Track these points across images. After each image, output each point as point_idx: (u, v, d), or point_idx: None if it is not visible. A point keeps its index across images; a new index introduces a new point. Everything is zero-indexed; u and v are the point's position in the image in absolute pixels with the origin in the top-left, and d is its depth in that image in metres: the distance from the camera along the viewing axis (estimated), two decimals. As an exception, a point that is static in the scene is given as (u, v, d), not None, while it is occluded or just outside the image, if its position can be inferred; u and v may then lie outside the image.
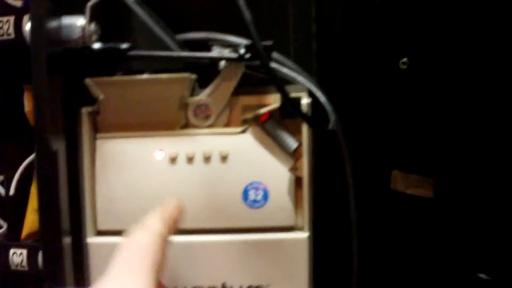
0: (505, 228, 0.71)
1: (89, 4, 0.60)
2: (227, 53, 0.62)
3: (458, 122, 0.72)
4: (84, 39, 0.60)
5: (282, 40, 0.68)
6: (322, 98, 0.64)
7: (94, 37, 0.60)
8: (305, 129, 0.63)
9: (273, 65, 0.64)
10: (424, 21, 0.72)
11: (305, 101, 0.63)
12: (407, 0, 0.72)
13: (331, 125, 0.63)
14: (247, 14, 0.58)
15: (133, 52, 0.62)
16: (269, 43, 0.60)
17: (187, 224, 0.63)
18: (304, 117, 0.61)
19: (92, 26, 0.60)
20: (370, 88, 0.75)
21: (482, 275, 0.72)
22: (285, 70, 0.65)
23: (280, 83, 0.58)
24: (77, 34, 0.59)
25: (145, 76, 0.62)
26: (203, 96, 0.63)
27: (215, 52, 0.62)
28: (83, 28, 0.59)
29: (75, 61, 0.62)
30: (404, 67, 0.73)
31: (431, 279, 0.75)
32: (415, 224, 0.75)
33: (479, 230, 0.72)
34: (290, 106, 0.60)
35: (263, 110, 0.63)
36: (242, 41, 0.62)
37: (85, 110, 0.63)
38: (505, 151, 0.70)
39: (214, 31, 0.66)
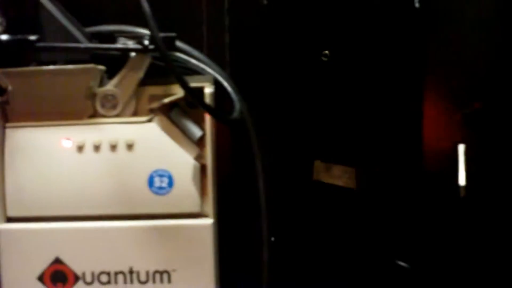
0: (424, 217, 0.73)
1: (-7, -4, 0.61)
2: (131, 44, 0.64)
3: (378, 112, 0.74)
4: (-11, 31, 0.61)
5: (196, 32, 0.70)
6: (228, 88, 0.67)
7: (0, 28, 0.62)
8: (208, 118, 0.65)
9: (181, 56, 0.66)
10: (343, 14, 0.74)
11: (207, 90, 0.65)
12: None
13: (235, 114, 0.65)
14: (145, 6, 0.60)
15: (41, 44, 0.64)
16: (171, 34, 0.62)
17: (95, 211, 0.65)
18: (204, 107, 0.63)
19: (-4, 18, 0.61)
20: (291, 80, 0.77)
21: (401, 263, 0.74)
22: (193, 61, 0.67)
23: (178, 73, 0.60)
24: (-18, 25, 0.61)
25: (51, 67, 0.64)
26: (109, 86, 0.65)
27: (120, 43, 0.64)
28: (-13, 20, 0.61)
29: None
30: (326, 59, 0.75)
31: (351, 266, 0.76)
32: (338, 214, 0.77)
33: (399, 219, 0.74)
34: (190, 96, 0.62)
35: (168, 100, 0.65)
36: (148, 33, 0.63)
37: (-8, 100, 0.65)
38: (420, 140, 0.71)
39: (126, 23, 0.68)
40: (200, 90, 0.65)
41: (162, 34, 0.62)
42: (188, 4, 0.70)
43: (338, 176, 0.76)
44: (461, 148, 0.67)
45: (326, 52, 0.75)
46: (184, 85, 0.60)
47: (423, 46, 0.69)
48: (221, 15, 0.71)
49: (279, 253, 0.74)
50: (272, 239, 0.72)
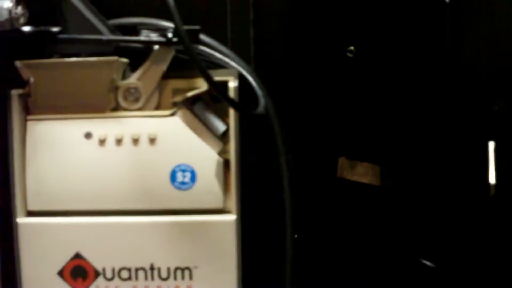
0: (449, 216, 0.71)
1: (17, -14, 0.60)
2: (155, 37, 0.63)
3: (404, 109, 0.72)
4: (12, 22, 0.61)
5: (220, 26, 0.69)
6: (253, 82, 0.66)
7: (22, 20, 0.61)
8: (232, 112, 0.64)
9: (205, 49, 0.65)
10: (370, 9, 0.73)
11: (232, 84, 0.64)
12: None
13: (259, 109, 0.64)
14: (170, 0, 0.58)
15: (63, 36, 0.63)
16: (195, 27, 0.62)
17: (116, 206, 0.64)
18: (229, 100, 0.62)
19: (19, 9, 0.61)
20: (316, 76, 0.76)
21: (426, 262, 0.73)
22: (217, 54, 0.66)
23: (203, 67, 0.59)
24: (3, 16, 0.60)
25: (74, 59, 0.63)
26: (132, 79, 0.64)
27: (144, 36, 0.63)
28: (10, 11, 0.60)
29: (4, 43, 0.63)
30: (351, 55, 0.74)
31: (375, 265, 0.75)
32: (362, 211, 0.76)
33: (424, 218, 0.73)
34: (214, 89, 0.61)
35: (192, 93, 0.64)
36: (171, 26, 0.62)
37: (15, 92, 0.64)
38: (448, 139, 0.70)
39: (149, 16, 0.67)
40: (224, 84, 0.64)
41: (186, 27, 0.60)
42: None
43: (363, 174, 0.74)
44: (491, 145, 0.65)
45: (352, 48, 0.74)
46: (208, 79, 0.59)
47: (453, 42, 0.67)
48: (246, 9, 0.70)
49: (302, 251, 0.72)
50: (295, 236, 0.71)
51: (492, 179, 0.65)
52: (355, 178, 0.75)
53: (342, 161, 0.76)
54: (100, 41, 0.63)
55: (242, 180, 0.67)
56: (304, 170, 0.75)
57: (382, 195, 0.74)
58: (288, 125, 0.71)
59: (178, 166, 0.64)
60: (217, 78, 0.63)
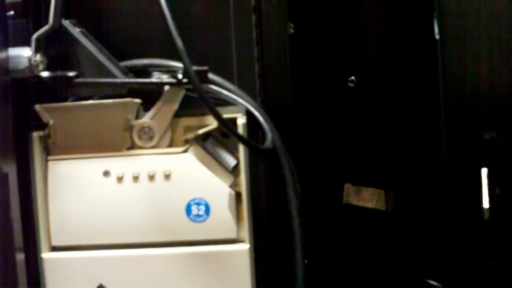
0: (453, 236, 0.74)
1: (34, 36, 0.64)
2: (165, 78, 0.66)
3: (406, 136, 0.75)
4: (31, 69, 0.64)
5: (226, 64, 0.72)
6: (260, 118, 0.69)
7: (41, 66, 0.65)
8: (241, 147, 0.67)
9: (213, 88, 0.69)
10: (369, 41, 0.76)
11: (240, 121, 0.67)
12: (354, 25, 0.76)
13: (266, 144, 0.67)
14: (178, 42, 0.62)
15: (79, 80, 0.66)
16: (203, 68, 0.65)
17: (135, 239, 0.67)
18: (238, 137, 0.65)
19: (38, 57, 0.64)
20: (320, 105, 0.79)
21: (433, 282, 0.75)
22: (225, 92, 0.69)
23: (212, 105, 0.62)
24: (24, 64, 0.64)
25: (90, 101, 0.66)
26: (146, 119, 0.67)
27: (155, 77, 0.66)
28: (29, 59, 0.64)
29: (24, 88, 0.66)
30: (352, 85, 0.77)
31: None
32: (369, 236, 0.79)
33: (428, 240, 0.75)
34: (223, 127, 0.64)
35: (203, 131, 0.67)
36: (181, 66, 0.66)
37: (36, 134, 0.67)
38: (449, 162, 0.73)
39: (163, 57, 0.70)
40: (233, 121, 0.67)
41: (195, 68, 0.64)
42: (218, 36, 0.72)
43: (368, 199, 0.77)
44: (484, 171, 0.68)
45: (353, 78, 0.77)
46: (218, 117, 0.62)
47: (445, 74, 0.70)
48: (250, 45, 0.73)
49: (312, 277, 0.75)
50: (306, 261, 0.74)
51: (486, 203, 0.68)
52: (360, 203, 0.78)
53: (348, 187, 0.79)
54: (114, 83, 0.67)
55: (256, 211, 0.70)
56: (312, 197, 0.78)
57: (387, 219, 0.77)
58: (295, 156, 0.73)
59: (193, 199, 0.67)
60: (226, 115, 0.66)
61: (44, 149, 0.68)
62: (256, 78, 0.75)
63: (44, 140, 0.68)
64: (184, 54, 0.62)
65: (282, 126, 0.72)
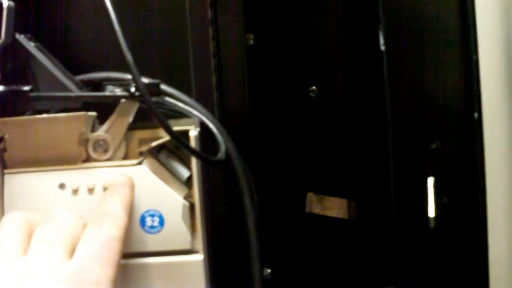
0: (405, 245, 0.75)
1: (-14, 52, 0.65)
2: (118, 91, 0.67)
3: (365, 145, 0.76)
4: (-16, 83, 0.65)
5: (184, 75, 0.73)
6: (214, 129, 0.70)
7: (-6, 81, 0.65)
8: (194, 159, 0.68)
9: (169, 100, 0.70)
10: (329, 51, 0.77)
11: (192, 133, 0.68)
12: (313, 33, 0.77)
13: (219, 155, 0.68)
14: (128, 56, 0.63)
15: (34, 94, 0.67)
16: (155, 81, 0.66)
17: (90, 251, 0.68)
18: (188, 149, 0.66)
19: (-9, 72, 0.65)
20: (281, 116, 0.80)
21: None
22: (180, 104, 0.70)
23: (162, 118, 0.63)
24: (-24, 79, 0.65)
25: (45, 115, 0.67)
26: (100, 132, 0.68)
27: (108, 91, 0.67)
28: (-18, 74, 0.65)
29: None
30: (313, 95, 0.78)
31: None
32: (331, 245, 0.80)
33: (387, 248, 0.76)
34: (174, 140, 0.65)
35: (156, 143, 0.68)
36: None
37: (-10, 149, 0.68)
38: (397, 172, 0.74)
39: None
40: (185, 133, 0.68)
41: (147, 81, 0.65)
42: (176, 49, 0.74)
43: (330, 208, 0.78)
44: (431, 181, 0.69)
45: (314, 88, 0.78)
46: (168, 130, 0.63)
47: (391, 85, 0.71)
48: (207, 58, 0.74)
49: (276, 286, 0.76)
50: (268, 270, 0.75)
51: (431, 212, 0.69)
52: (323, 212, 0.79)
53: (311, 196, 0.80)
54: (68, 97, 0.68)
55: (214, 221, 0.71)
56: (276, 207, 0.79)
57: (349, 228, 0.78)
58: (257, 166, 0.74)
59: (147, 211, 0.68)
60: (179, 127, 0.67)
61: (1, 162, 0.69)
62: (214, 90, 0.76)
63: (1, 153, 0.69)
64: (133, 68, 0.63)
65: (242, 137, 0.73)
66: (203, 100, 0.73)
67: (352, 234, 0.79)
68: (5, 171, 0.69)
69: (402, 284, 0.75)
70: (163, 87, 0.70)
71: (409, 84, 0.70)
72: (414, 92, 0.69)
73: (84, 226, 0.61)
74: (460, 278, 0.70)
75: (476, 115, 0.66)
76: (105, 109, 0.70)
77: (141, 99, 0.66)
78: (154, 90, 0.66)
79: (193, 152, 0.66)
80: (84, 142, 0.69)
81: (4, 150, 0.69)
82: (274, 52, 0.81)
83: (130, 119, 0.68)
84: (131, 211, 0.65)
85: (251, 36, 0.79)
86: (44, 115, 0.68)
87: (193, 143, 0.68)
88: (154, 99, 0.66)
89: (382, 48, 0.71)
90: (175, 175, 0.69)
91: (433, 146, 0.69)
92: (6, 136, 0.68)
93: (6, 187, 0.69)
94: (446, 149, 0.68)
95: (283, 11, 0.81)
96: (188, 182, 0.70)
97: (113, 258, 0.58)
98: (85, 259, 0.57)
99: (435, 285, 0.70)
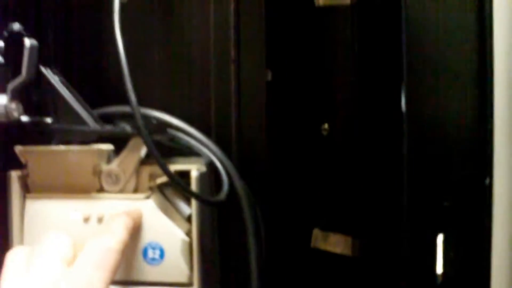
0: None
1: (10, 86, 0.70)
2: (129, 128, 0.71)
3: (375, 184, 0.77)
4: (8, 115, 0.71)
5: (204, 112, 0.77)
6: (222, 171, 0.72)
7: (16, 113, 0.71)
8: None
9: (182, 136, 0.73)
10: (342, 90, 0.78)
11: (194, 173, 0.71)
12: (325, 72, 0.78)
13: (219, 196, 0.71)
14: (132, 97, 0.66)
15: (55, 126, 0.72)
16: (161, 121, 0.69)
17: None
18: (186, 191, 0.69)
19: (13, 105, 0.70)
20: (294, 152, 0.82)
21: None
22: (192, 142, 0.73)
23: (160, 159, 0.67)
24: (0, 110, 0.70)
25: (63, 147, 0.72)
26: (113, 165, 0.72)
27: (119, 127, 0.71)
28: (5, 106, 0.70)
29: (4, 131, 0.73)
30: (325, 133, 0.80)
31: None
32: (335, 280, 0.81)
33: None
34: (172, 181, 0.68)
35: (160, 181, 0.72)
36: (149, 116, 0.70)
37: (14, 174, 0.74)
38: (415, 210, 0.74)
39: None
40: (187, 173, 0.71)
41: (156, 118, 0.69)
42: (197, 83, 0.77)
43: (335, 244, 0.79)
44: (440, 237, 0.69)
45: (326, 126, 0.79)
46: (165, 170, 0.67)
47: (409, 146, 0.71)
48: (229, 96, 0.77)
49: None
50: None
51: (439, 268, 0.69)
52: (328, 248, 0.80)
53: (317, 233, 0.81)
54: (83, 131, 0.72)
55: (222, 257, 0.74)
56: (282, 241, 0.81)
57: (353, 265, 0.79)
58: (267, 201, 0.77)
59: (149, 243, 0.72)
60: (181, 167, 0.71)
61: (23, 187, 0.74)
62: (233, 127, 0.78)
63: (23, 178, 0.74)
64: (136, 108, 0.66)
65: (256, 173, 0.75)
66: (221, 136, 0.75)
67: (355, 270, 0.80)
68: (28, 195, 0.75)
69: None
70: (175, 121, 0.73)
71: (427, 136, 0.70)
72: (433, 149, 0.69)
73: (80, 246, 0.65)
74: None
75: (487, 181, 0.66)
76: (125, 141, 0.74)
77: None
78: (160, 129, 0.69)
79: (189, 193, 0.69)
80: (98, 173, 0.73)
81: (27, 175, 0.74)
82: (290, 88, 0.83)
83: (142, 154, 0.72)
84: (133, 233, 0.68)
85: (269, 72, 0.81)
86: (61, 147, 0.73)
87: (193, 184, 0.71)
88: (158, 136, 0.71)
89: (403, 109, 0.71)
90: (177, 211, 0.72)
91: (446, 203, 0.69)
92: (29, 163, 0.73)
93: (27, 210, 0.74)
94: (457, 208, 0.68)
95: (300, 47, 0.83)
96: (190, 219, 0.73)
97: (108, 265, 0.62)
98: (81, 263, 0.62)
99: None
